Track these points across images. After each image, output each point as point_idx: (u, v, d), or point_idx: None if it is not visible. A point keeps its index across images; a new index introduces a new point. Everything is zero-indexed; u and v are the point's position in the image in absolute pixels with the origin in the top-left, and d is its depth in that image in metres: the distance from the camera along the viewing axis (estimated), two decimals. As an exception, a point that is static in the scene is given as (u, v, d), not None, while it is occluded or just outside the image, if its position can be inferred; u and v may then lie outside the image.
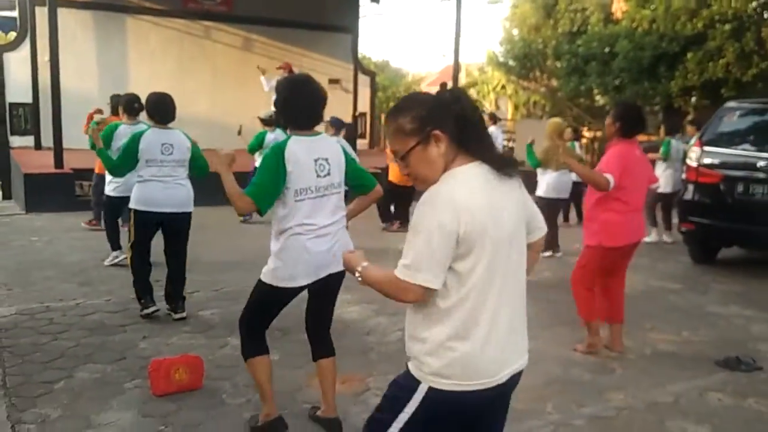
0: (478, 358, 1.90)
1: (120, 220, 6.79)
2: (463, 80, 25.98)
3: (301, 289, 3.20)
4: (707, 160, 7.18)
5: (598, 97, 17.96)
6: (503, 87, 21.93)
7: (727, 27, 14.70)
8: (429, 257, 1.82)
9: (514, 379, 2.03)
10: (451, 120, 1.91)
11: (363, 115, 16.66)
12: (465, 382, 1.90)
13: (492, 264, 1.87)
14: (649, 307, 6.02)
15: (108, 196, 6.56)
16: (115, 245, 6.73)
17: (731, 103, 7.79)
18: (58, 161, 10.09)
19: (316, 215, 3.11)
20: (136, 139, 4.96)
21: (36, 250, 7.49)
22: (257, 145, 8.72)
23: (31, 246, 7.72)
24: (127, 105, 6.29)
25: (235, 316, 3.45)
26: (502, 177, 1.94)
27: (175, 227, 5.14)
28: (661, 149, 8.68)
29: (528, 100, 19.87)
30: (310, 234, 3.10)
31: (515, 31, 18.97)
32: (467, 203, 1.83)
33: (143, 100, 5.44)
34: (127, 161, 5.02)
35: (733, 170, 6.97)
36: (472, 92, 24.88)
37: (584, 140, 18.60)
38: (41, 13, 11.50)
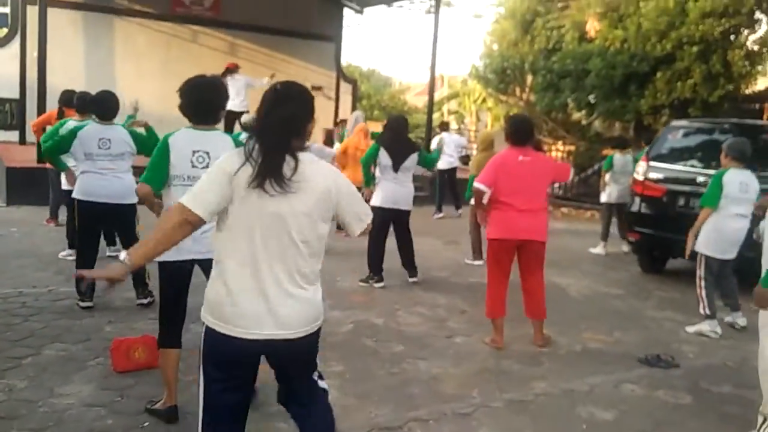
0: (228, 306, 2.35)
1: None
2: (445, 92, 26.55)
3: (183, 263, 3.46)
4: (652, 175, 7.64)
5: (573, 112, 18.44)
6: (484, 100, 22.40)
7: (695, 49, 15.18)
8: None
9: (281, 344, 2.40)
10: None
11: (344, 121, 17.01)
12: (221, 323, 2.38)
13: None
14: (590, 310, 6.44)
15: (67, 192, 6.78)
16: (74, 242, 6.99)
17: (676, 122, 8.28)
18: (40, 156, 10.39)
19: None
20: (73, 133, 5.34)
21: (15, 240, 7.82)
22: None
23: (10, 236, 8.04)
24: (77, 102, 6.58)
25: (195, 305, 3.77)
26: None
27: (116, 218, 5.48)
28: (604, 163, 9.36)
29: (507, 113, 20.33)
30: None
31: (495, 46, 19.41)
32: None
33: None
34: (54, 147, 5.51)
35: (675, 185, 7.42)
36: (453, 104, 25.42)
37: (559, 153, 19.13)
38: (32, 12, 11.82)
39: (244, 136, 9.00)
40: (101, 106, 5.49)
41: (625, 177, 9.03)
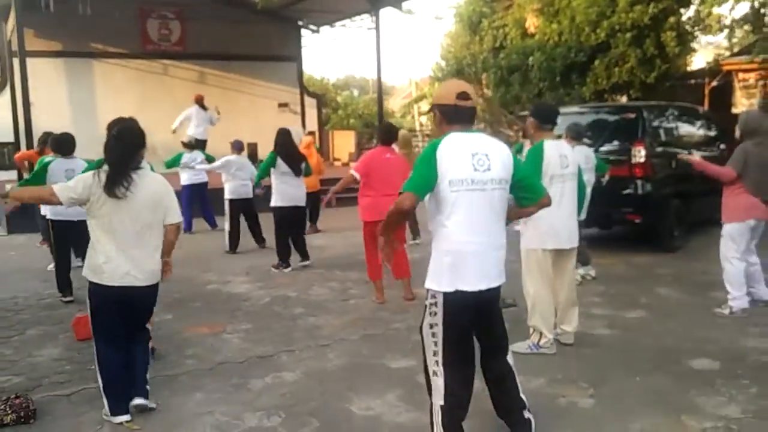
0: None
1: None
2: (414, 94, 28.06)
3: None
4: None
5: (525, 104, 19.86)
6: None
7: (628, 35, 16.44)
8: None
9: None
10: None
11: (312, 133, 18.60)
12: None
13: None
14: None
15: (44, 217, 8.08)
16: None
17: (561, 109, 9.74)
18: (20, 185, 11.99)
19: None
20: (44, 167, 6.87)
21: (13, 261, 9.47)
22: (173, 162, 10.92)
23: (10, 259, 9.68)
24: (50, 142, 7.98)
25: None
26: None
27: (78, 232, 7.00)
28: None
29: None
30: None
31: (450, 48, 20.93)
32: None
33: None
34: (32, 179, 6.98)
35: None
36: (422, 105, 26.95)
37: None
38: (18, 64, 13.47)
39: (186, 153, 10.72)
40: (62, 145, 7.06)
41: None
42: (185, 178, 11.19)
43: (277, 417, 4.06)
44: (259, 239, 9.85)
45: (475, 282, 3.25)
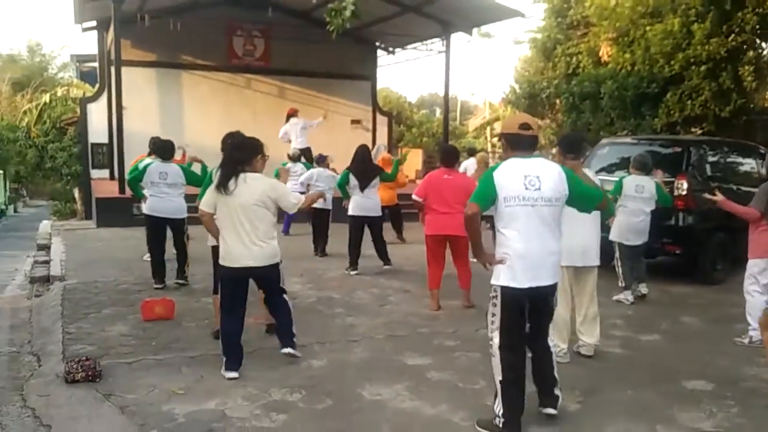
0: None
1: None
2: (487, 116, 28.52)
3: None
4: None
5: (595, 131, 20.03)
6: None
7: (703, 68, 16.31)
8: None
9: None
10: None
11: (393, 149, 19.34)
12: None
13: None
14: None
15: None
16: None
17: (605, 140, 10.12)
18: (121, 188, 13.20)
19: None
20: (144, 168, 7.89)
21: (99, 251, 10.55)
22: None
23: (96, 249, 10.77)
24: (151, 147, 9.08)
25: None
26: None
27: (172, 227, 7.97)
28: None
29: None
30: None
31: (525, 73, 21.38)
32: None
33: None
34: (132, 179, 8.14)
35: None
36: (496, 126, 27.41)
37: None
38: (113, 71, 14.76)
39: (289, 164, 11.60)
40: (162, 150, 8.03)
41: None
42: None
43: (298, 394, 4.75)
44: (318, 248, 10.57)
45: (525, 280, 3.99)
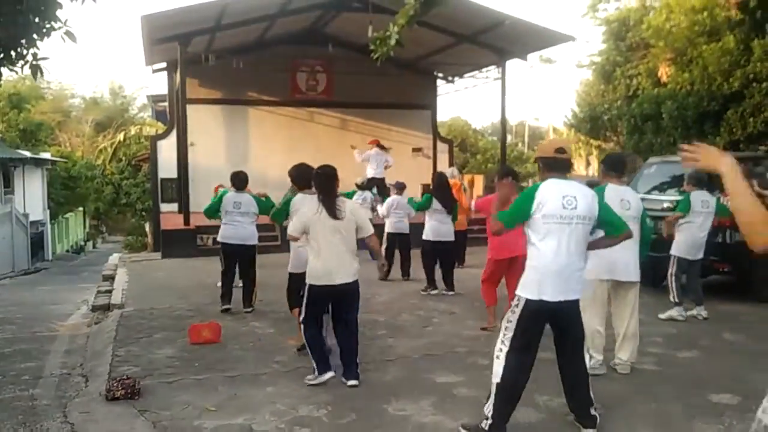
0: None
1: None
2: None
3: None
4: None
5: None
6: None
7: (765, 85, 15.96)
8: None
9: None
10: None
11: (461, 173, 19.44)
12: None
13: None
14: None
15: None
16: None
17: (652, 159, 9.95)
18: (186, 220, 13.75)
19: None
20: (220, 198, 8.39)
21: (160, 279, 11.01)
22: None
23: (157, 278, 11.25)
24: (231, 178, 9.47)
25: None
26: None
27: (243, 255, 8.32)
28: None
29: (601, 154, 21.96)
30: None
31: (586, 96, 21.25)
32: None
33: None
34: (211, 209, 8.45)
35: (649, 210, 9.09)
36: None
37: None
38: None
39: (358, 193, 11.89)
40: (237, 181, 8.46)
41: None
42: None
43: (324, 410, 4.87)
44: (405, 272, 10.87)
45: (555, 294, 4.13)
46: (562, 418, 4.57)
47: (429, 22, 12.93)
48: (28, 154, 28.68)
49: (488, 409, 4.19)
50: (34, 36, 7.23)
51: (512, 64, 17.47)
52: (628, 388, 5.28)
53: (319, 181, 5.66)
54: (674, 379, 5.57)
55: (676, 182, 9.29)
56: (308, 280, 5.48)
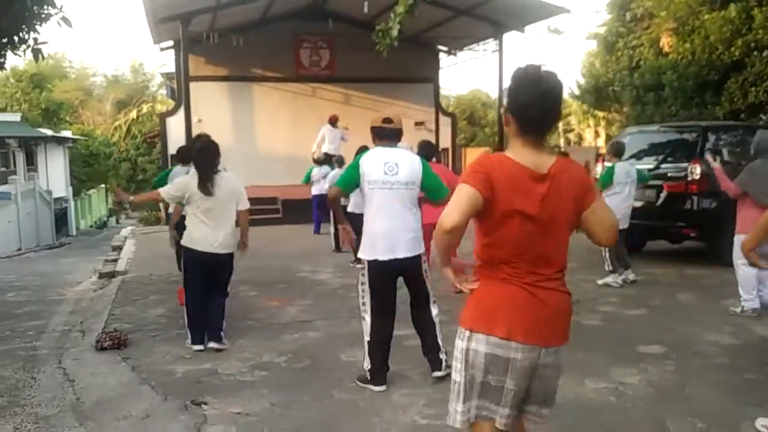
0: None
1: None
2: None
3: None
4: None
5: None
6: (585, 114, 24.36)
7: (766, 53, 16.02)
8: None
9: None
10: None
11: (445, 150, 19.90)
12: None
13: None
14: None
15: None
16: None
17: (628, 129, 10.38)
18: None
19: None
20: (166, 173, 8.82)
21: (162, 250, 11.54)
22: (306, 177, 12.70)
23: (161, 248, 11.82)
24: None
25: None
26: None
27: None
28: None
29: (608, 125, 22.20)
30: None
31: (591, 68, 21.46)
32: None
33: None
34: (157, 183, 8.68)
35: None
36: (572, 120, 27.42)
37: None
38: (192, 86, 15.93)
39: (315, 168, 12.43)
40: (182, 156, 8.91)
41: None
42: (314, 189, 13.00)
43: (284, 357, 5.51)
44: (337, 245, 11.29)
45: (387, 254, 4.58)
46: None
47: (426, -5, 13.29)
48: (49, 132, 29.64)
49: (366, 364, 4.78)
50: (34, 21, 7.86)
51: (519, 36, 17.74)
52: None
53: (195, 155, 5.91)
54: (611, 333, 6.11)
55: (652, 150, 9.71)
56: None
